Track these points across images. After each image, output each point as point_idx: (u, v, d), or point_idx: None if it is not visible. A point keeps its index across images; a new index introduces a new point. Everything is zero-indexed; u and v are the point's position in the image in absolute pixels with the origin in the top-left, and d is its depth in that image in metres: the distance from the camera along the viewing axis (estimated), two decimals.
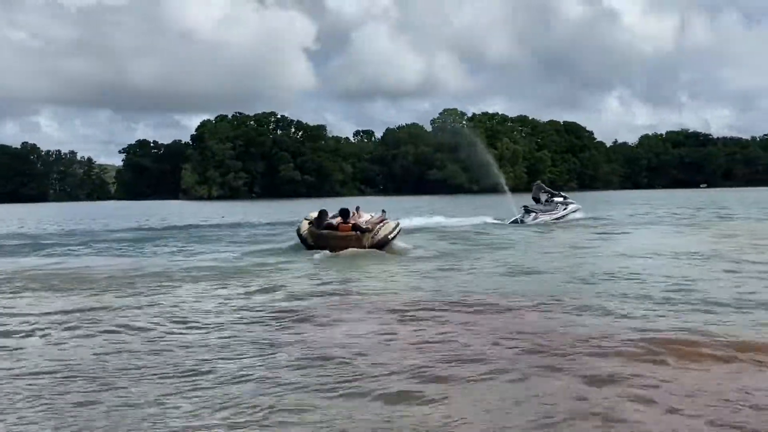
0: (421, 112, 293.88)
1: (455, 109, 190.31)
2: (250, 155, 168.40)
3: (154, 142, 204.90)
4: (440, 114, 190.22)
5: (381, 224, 20.99)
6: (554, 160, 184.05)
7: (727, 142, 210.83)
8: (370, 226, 20.38)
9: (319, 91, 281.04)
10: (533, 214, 34.85)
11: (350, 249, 19.70)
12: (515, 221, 34.40)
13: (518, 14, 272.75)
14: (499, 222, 35.26)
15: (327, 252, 19.66)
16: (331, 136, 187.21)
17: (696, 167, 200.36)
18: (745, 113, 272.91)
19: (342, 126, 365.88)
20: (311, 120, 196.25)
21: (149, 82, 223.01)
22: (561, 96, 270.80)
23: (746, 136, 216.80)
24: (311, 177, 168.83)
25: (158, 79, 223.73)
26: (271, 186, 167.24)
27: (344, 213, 20.67)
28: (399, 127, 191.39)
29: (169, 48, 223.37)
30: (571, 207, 37.45)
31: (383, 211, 22.62)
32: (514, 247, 21.94)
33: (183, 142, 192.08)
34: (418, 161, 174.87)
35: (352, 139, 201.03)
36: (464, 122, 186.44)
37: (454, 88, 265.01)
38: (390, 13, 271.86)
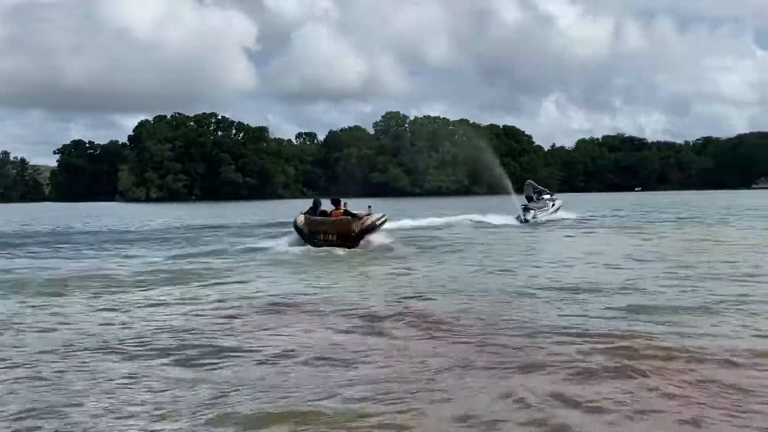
0: (363, 115, 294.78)
1: (397, 112, 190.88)
2: (190, 156, 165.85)
3: (90, 142, 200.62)
4: (383, 117, 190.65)
5: (367, 214, 23.59)
6: (494, 164, 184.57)
7: (661, 146, 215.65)
8: (359, 213, 23.04)
9: (260, 92, 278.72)
10: (532, 212, 36.81)
11: (336, 249, 21.93)
12: (520, 220, 36.17)
13: (457, 18, 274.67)
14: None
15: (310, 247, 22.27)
16: (273, 137, 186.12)
17: (631, 171, 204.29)
18: (678, 118, 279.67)
19: (283, 128, 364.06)
20: (252, 121, 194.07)
21: (84, 81, 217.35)
22: (500, 100, 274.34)
23: (680, 141, 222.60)
24: (253, 179, 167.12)
25: (93, 78, 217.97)
26: (211, 188, 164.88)
27: (336, 202, 23.35)
28: (341, 130, 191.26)
29: (105, 46, 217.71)
30: (557, 203, 40.58)
31: (369, 206, 24.74)
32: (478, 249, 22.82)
33: (120, 142, 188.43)
34: (361, 164, 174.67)
35: (294, 141, 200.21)
36: (407, 125, 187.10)
37: (396, 90, 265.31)
38: (331, 14, 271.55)
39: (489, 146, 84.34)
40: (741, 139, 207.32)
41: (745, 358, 7.92)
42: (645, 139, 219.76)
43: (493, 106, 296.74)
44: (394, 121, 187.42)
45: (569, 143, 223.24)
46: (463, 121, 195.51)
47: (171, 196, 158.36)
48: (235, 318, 11.05)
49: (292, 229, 24.14)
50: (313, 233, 23.07)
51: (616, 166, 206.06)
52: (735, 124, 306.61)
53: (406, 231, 31.22)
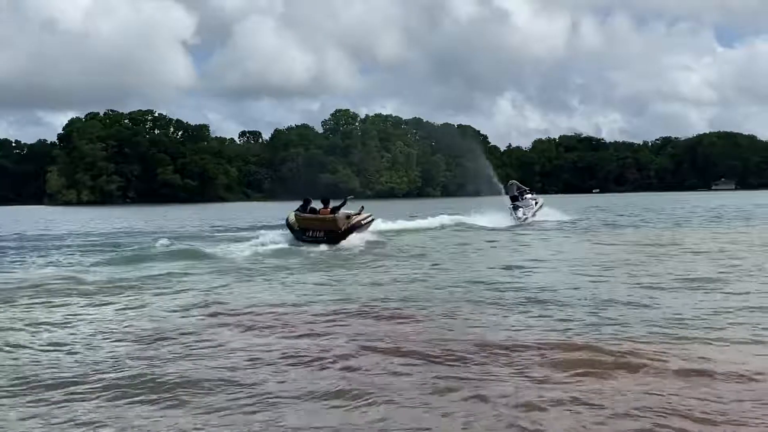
0: (311, 113, 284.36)
1: (347, 110, 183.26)
2: (125, 157, 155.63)
3: (16, 141, 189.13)
4: (332, 115, 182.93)
5: (357, 214, 26.08)
6: (448, 164, 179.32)
7: (619, 146, 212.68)
8: (347, 213, 25.56)
9: (200, 88, 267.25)
10: (521, 210, 38.08)
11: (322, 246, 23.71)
12: (515, 218, 37.23)
13: (409, 13, 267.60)
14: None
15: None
16: (214, 136, 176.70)
17: (589, 172, 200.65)
18: (636, 118, 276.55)
19: (225, 126, 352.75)
20: (191, 119, 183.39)
21: (8, 75, 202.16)
22: (454, 98, 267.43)
23: (638, 141, 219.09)
24: (193, 181, 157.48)
25: (18, 72, 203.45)
26: (147, 190, 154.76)
27: (325, 201, 25.83)
28: (288, 128, 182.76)
29: (31, 39, 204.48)
30: (540, 201, 41.60)
31: (362, 207, 27.16)
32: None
33: (49, 141, 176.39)
34: (309, 164, 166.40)
35: (237, 140, 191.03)
36: (357, 124, 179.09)
37: (345, 87, 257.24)
38: (275, 6, 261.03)
39: (481, 148, 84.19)
40: (700, 139, 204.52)
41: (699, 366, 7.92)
42: (602, 139, 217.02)
43: (446, 105, 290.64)
44: (344, 120, 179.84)
45: (526, 143, 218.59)
46: (417, 120, 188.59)
47: (104, 198, 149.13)
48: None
49: (285, 225, 26.26)
50: (302, 230, 25.29)
51: (574, 166, 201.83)
52: (694, 123, 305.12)
53: (394, 232, 31.62)
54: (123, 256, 21.86)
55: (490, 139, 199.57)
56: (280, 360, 8.47)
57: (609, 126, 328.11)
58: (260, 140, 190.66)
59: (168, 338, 9.78)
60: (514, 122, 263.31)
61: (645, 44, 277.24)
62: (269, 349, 9.02)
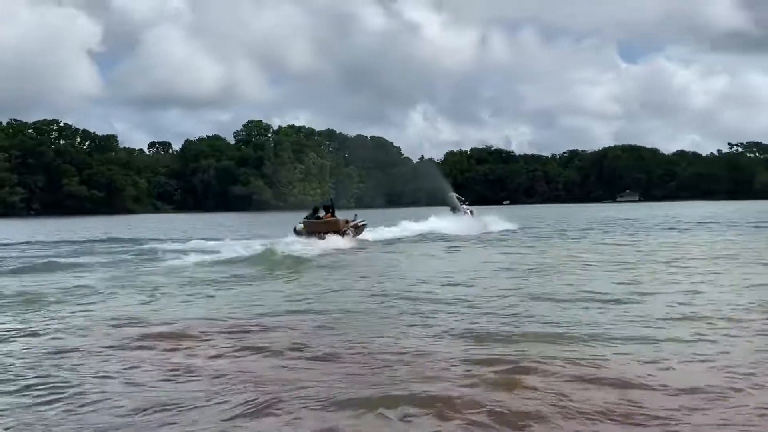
0: (221, 123, 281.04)
1: (260, 121, 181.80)
2: (28, 168, 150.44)
3: None
4: (244, 126, 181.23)
5: (354, 220, 34.61)
6: (362, 176, 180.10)
7: (528, 159, 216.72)
8: (346, 219, 33.91)
9: (107, 97, 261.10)
10: (464, 207, 46.90)
11: (331, 238, 30.51)
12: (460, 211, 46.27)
13: (319, 24, 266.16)
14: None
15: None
16: (122, 147, 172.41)
17: (499, 184, 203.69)
18: (544, 130, 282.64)
19: (133, 136, 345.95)
20: (98, 129, 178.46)
21: None
22: (366, 110, 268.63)
23: (547, 154, 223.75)
24: (100, 192, 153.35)
25: None
26: (53, 202, 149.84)
27: (327, 208, 33.48)
28: (199, 139, 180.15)
29: None
30: (474, 212, 47.58)
31: (355, 215, 35.62)
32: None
33: None
34: (220, 176, 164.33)
35: (146, 151, 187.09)
36: (270, 135, 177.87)
37: (257, 98, 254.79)
38: (183, 15, 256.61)
39: (438, 170, 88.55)
40: (606, 152, 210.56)
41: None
42: (512, 152, 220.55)
43: (359, 116, 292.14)
44: (257, 131, 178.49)
45: (438, 155, 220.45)
46: (330, 131, 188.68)
47: (6, 211, 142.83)
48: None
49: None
50: (309, 232, 31.77)
51: (485, 178, 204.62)
52: (600, 137, 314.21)
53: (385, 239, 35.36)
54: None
55: (402, 151, 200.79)
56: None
57: (518, 138, 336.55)
58: (170, 151, 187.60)
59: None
60: (426, 134, 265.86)
61: (552, 59, 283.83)
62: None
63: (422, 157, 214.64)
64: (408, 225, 41.74)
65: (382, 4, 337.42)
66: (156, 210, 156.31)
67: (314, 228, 31.80)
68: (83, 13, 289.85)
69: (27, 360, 9.41)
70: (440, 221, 42.76)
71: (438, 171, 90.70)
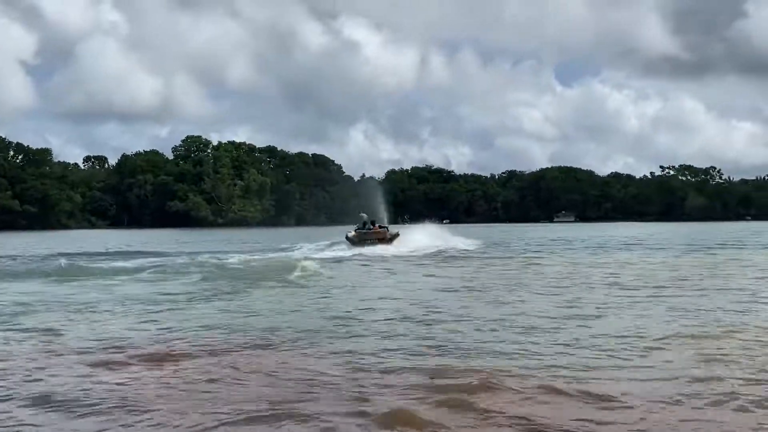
0: (159, 138, 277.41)
1: (199, 137, 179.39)
2: None
3: None
4: (183, 141, 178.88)
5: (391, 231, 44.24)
6: (303, 194, 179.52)
7: (468, 179, 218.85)
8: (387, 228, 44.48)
9: (40, 110, 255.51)
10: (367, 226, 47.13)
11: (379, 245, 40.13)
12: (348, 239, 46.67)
13: (258, 39, 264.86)
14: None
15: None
16: (57, 161, 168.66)
17: (440, 203, 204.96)
18: (483, 151, 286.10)
19: (68, 150, 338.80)
20: (32, 142, 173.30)
21: None
22: (307, 127, 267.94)
23: (486, 174, 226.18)
24: (33, 207, 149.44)
25: None
26: None
27: (373, 222, 44.62)
28: (136, 154, 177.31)
29: None
30: (393, 232, 48.99)
31: (386, 226, 46.13)
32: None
33: None
34: (157, 191, 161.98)
35: (81, 165, 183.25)
36: (209, 150, 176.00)
37: (196, 113, 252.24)
38: (119, 27, 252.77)
39: (379, 189, 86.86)
40: (543, 173, 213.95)
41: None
42: (453, 171, 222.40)
43: (300, 133, 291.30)
44: (196, 146, 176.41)
45: (379, 173, 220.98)
46: (271, 148, 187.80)
47: None
48: None
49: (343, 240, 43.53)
50: (361, 240, 41.63)
51: (426, 197, 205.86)
52: (536, 158, 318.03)
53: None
54: None
55: (344, 169, 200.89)
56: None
57: (458, 158, 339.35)
58: (106, 165, 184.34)
59: None
60: (366, 152, 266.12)
61: (491, 80, 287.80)
62: None
63: (363, 176, 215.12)
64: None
65: (323, 21, 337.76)
66: (91, 225, 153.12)
67: (366, 237, 41.30)
68: (17, 24, 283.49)
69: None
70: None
71: (379, 190, 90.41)
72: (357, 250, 38.27)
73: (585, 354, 10.69)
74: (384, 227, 44.39)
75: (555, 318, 14.16)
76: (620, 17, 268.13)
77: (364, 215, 48.86)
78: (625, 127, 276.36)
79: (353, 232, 41.59)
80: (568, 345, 11.40)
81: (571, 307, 15.78)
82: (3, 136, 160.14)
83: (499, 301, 17.29)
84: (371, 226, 42.84)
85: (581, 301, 17.00)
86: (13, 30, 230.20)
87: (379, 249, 38.33)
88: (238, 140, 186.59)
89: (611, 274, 25.28)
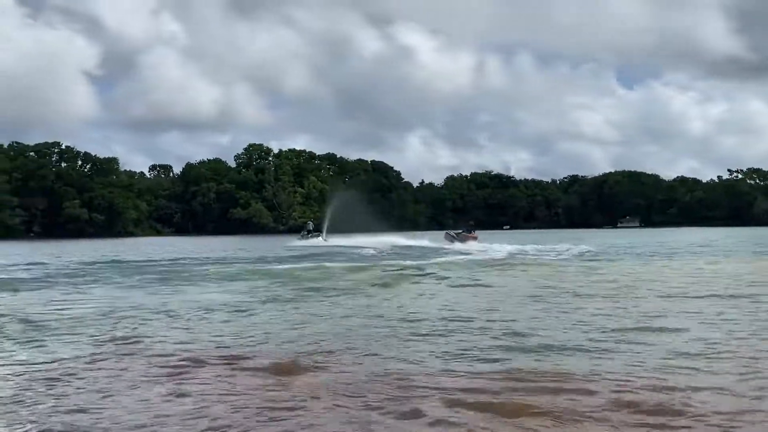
0: (221, 147, 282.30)
1: (260, 145, 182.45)
2: (29, 190, 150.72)
3: None
4: (245, 149, 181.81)
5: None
6: (362, 200, 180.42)
7: (528, 184, 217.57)
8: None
9: (106, 120, 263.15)
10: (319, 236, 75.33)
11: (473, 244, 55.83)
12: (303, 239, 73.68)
13: (314, 48, 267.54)
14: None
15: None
16: (123, 170, 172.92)
17: (499, 209, 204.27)
18: (542, 156, 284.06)
19: (133, 159, 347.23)
20: (98, 151, 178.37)
21: None
22: (365, 134, 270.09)
23: (546, 179, 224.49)
24: (101, 215, 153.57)
25: None
26: (53, 225, 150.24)
27: (471, 227, 62.89)
28: (200, 162, 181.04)
29: None
30: (321, 238, 74.54)
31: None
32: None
33: None
34: (221, 199, 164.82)
35: (147, 173, 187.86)
36: (270, 158, 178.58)
37: (255, 121, 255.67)
38: (178, 38, 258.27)
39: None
40: (606, 178, 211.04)
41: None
42: (512, 177, 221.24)
43: (357, 140, 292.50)
44: (257, 154, 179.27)
45: (437, 179, 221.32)
46: (330, 156, 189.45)
47: (6, 233, 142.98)
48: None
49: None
50: (463, 239, 58.20)
51: (485, 203, 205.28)
52: (598, 162, 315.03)
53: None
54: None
55: (403, 175, 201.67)
56: None
57: (517, 164, 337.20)
58: (171, 174, 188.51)
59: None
60: (424, 158, 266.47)
61: (550, 84, 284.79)
62: None
63: (422, 182, 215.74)
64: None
65: (377, 28, 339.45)
66: (156, 233, 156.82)
67: (466, 237, 59.26)
68: (80, 37, 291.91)
69: None
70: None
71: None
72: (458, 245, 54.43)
73: (669, 363, 10.08)
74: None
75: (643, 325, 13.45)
76: (682, 18, 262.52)
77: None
78: (689, 130, 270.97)
79: (454, 233, 62.06)
80: (656, 353, 10.79)
81: (653, 316, 14.83)
82: (71, 146, 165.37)
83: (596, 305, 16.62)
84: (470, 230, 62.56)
85: (664, 309, 16.06)
86: (77, 42, 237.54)
87: (474, 246, 53.55)
88: (297, 148, 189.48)
89: (699, 279, 23.95)
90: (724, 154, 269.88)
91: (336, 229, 77.53)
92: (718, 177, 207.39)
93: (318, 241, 70.62)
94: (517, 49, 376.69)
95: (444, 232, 70.14)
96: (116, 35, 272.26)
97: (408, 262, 34.65)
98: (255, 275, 27.96)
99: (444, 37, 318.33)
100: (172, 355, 11.28)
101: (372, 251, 48.42)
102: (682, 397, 8.22)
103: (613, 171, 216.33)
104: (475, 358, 10.54)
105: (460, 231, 61.91)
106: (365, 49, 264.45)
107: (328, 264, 33.65)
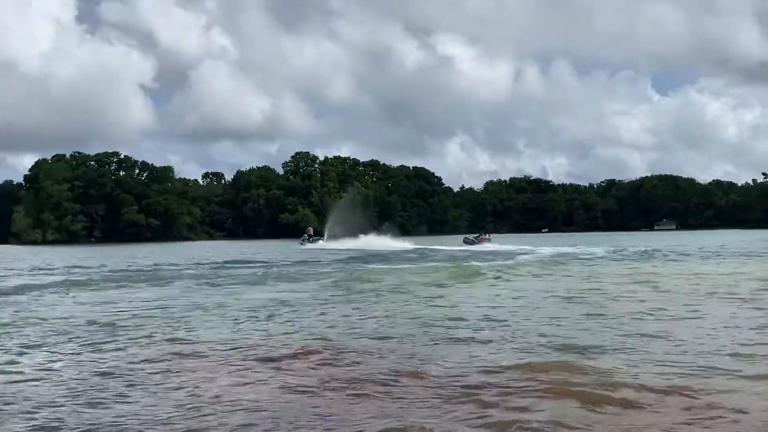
0: (270, 155, 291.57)
1: (307, 153, 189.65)
2: (90, 197, 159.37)
3: None
4: (292, 157, 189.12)
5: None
6: (404, 205, 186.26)
7: (566, 188, 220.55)
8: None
9: (160, 130, 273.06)
10: (319, 240, 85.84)
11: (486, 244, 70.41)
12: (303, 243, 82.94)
13: (358, 59, 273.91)
14: None
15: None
16: (178, 177, 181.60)
17: (538, 213, 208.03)
18: (580, 161, 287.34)
19: (186, 167, 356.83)
20: (154, 160, 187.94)
21: None
22: (406, 141, 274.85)
23: (584, 183, 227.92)
24: (157, 221, 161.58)
25: None
26: (112, 230, 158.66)
27: (484, 232, 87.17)
28: (250, 170, 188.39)
29: None
30: (321, 242, 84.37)
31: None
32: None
33: (15, 182, 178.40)
34: (269, 205, 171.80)
35: (200, 181, 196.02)
36: (316, 165, 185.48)
37: (301, 130, 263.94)
38: (228, 52, 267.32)
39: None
40: (642, 182, 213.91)
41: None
42: (551, 181, 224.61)
43: (399, 147, 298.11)
44: (304, 162, 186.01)
45: (477, 184, 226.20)
46: (373, 162, 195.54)
47: (69, 238, 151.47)
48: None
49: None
50: (481, 241, 72.86)
51: (524, 207, 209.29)
52: (635, 167, 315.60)
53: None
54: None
55: (443, 181, 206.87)
56: None
57: (555, 169, 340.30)
58: (223, 181, 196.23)
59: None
60: (464, 164, 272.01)
61: (586, 91, 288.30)
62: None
63: (462, 187, 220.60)
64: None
65: (417, 38, 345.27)
66: (209, 237, 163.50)
67: (481, 239, 73.95)
68: (136, 51, 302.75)
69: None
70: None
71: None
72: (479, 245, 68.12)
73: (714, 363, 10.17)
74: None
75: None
76: (717, 24, 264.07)
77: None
78: (724, 135, 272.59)
79: (473, 236, 78.81)
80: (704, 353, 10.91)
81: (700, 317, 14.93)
82: (129, 156, 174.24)
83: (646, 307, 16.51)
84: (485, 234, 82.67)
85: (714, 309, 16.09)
86: (133, 56, 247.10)
87: (489, 246, 66.95)
88: (342, 155, 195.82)
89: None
90: (759, 158, 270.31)
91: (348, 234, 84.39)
92: (753, 180, 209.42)
93: (319, 244, 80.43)
94: (555, 56, 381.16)
95: (463, 236, 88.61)
96: (170, 50, 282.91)
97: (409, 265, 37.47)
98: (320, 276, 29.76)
99: (483, 46, 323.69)
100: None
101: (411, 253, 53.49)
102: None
103: (649, 175, 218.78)
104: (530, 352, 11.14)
105: (477, 235, 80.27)
106: (406, 59, 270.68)
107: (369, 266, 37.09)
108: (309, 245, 78.42)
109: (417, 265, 38.57)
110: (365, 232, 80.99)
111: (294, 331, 13.72)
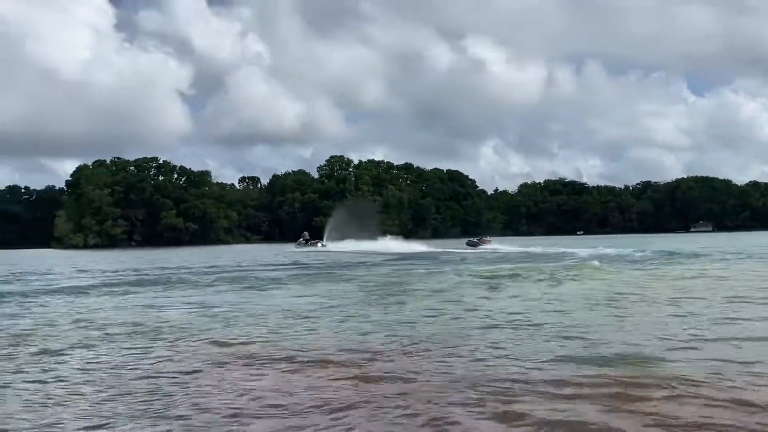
0: (304, 159, 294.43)
1: (342, 156, 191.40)
2: (130, 202, 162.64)
3: (26, 187, 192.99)
4: (327, 161, 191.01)
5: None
6: (438, 208, 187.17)
7: (601, 190, 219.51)
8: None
9: (197, 136, 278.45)
10: (319, 244, 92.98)
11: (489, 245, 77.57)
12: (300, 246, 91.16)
13: (390, 63, 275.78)
14: None
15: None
16: (215, 182, 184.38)
17: (573, 215, 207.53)
18: (614, 162, 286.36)
19: (223, 172, 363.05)
20: (191, 165, 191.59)
21: (9, 123, 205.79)
22: (439, 144, 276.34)
23: (618, 185, 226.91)
24: (194, 224, 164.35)
25: (20, 121, 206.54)
26: (152, 234, 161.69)
27: (484, 236, 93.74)
28: (285, 174, 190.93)
29: (31, 88, 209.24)
30: (321, 245, 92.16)
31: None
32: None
33: (57, 188, 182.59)
34: (305, 208, 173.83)
35: (237, 185, 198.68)
36: (351, 169, 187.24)
37: (335, 134, 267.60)
38: (263, 58, 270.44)
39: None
40: (678, 183, 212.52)
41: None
42: (585, 183, 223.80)
43: (433, 150, 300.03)
44: (338, 166, 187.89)
45: (510, 187, 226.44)
46: (407, 165, 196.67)
47: (110, 242, 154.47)
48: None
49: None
50: (484, 243, 79.79)
51: (559, 209, 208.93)
52: (670, 168, 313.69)
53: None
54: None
55: (477, 183, 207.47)
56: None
57: (589, 171, 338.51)
58: (259, 185, 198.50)
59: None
60: (497, 166, 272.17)
61: (620, 92, 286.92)
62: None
63: (496, 189, 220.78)
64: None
65: (449, 42, 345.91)
66: (246, 240, 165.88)
67: (483, 241, 79.57)
68: (173, 58, 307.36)
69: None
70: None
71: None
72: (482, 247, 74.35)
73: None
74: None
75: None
76: (750, 25, 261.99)
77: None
78: (760, 135, 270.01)
79: (477, 239, 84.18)
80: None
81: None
82: (167, 161, 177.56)
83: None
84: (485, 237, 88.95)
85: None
86: (170, 64, 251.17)
87: (489, 246, 74.99)
88: (376, 159, 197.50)
89: None
90: None
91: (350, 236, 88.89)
92: None
93: (317, 247, 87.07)
94: (587, 58, 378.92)
95: (466, 239, 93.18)
96: (206, 56, 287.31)
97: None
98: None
99: (514, 49, 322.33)
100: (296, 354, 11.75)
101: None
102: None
103: (685, 177, 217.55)
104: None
105: (479, 238, 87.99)
106: (438, 63, 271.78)
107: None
108: (303, 248, 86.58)
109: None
110: (374, 237, 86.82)
111: (339, 331, 14.12)
